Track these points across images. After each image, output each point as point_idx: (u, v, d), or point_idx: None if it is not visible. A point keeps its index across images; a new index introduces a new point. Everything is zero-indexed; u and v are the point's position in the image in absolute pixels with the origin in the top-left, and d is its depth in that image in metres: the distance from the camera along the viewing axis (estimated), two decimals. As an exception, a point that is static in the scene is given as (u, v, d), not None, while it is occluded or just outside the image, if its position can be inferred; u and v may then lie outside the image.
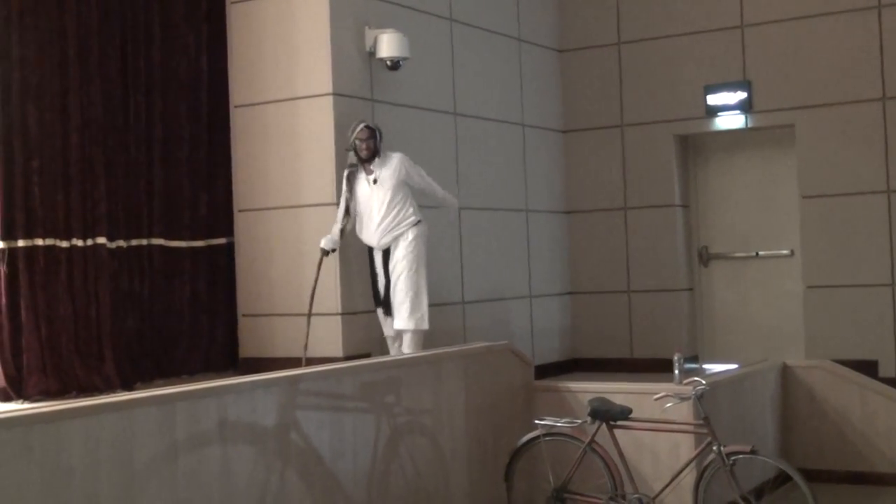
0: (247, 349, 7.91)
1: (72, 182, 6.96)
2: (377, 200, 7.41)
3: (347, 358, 7.38)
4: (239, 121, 8.05)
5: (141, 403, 5.12)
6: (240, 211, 8.02)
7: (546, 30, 10.21)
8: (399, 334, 7.48)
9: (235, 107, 8.06)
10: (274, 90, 7.91)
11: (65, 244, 6.86)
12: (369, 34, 7.95)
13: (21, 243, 6.73)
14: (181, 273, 7.66)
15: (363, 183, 7.46)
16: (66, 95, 7.02)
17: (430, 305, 7.59)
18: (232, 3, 8.09)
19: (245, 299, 7.95)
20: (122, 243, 7.28)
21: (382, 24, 8.01)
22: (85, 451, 4.74)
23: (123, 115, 7.37)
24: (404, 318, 7.39)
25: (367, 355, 7.48)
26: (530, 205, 9.80)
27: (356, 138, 7.42)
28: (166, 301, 7.55)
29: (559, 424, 6.50)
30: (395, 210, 7.43)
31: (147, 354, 7.33)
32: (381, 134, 7.50)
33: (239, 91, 8.05)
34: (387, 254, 7.49)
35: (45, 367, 6.43)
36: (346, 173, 7.49)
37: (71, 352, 6.81)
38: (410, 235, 7.46)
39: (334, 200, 7.61)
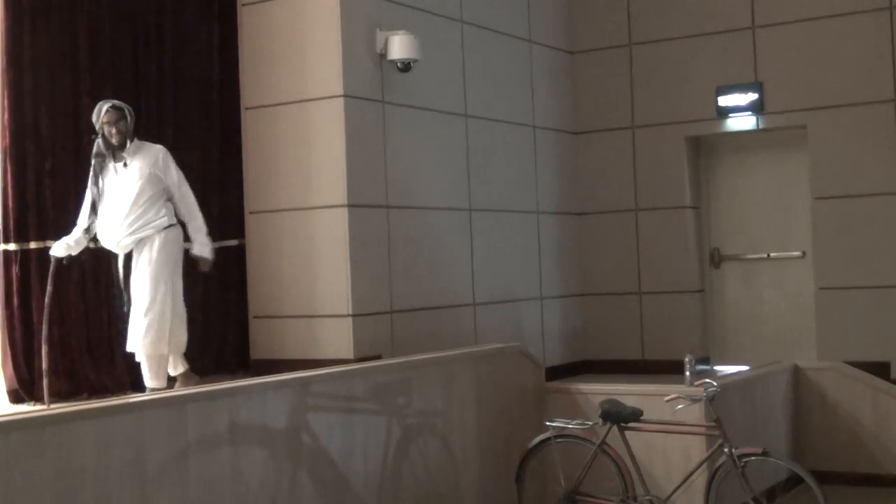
0: (258, 351, 7.91)
1: (84, 184, 6.96)
2: (123, 192, 6.46)
3: (358, 360, 7.37)
4: (250, 123, 8.06)
5: (152, 405, 5.14)
6: (251, 213, 8.03)
7: (557, 31, 10.20)
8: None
9: (246, 109, 8.07)
10: (285, 92, 7.91)
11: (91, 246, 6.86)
12: (380, 36, 7.95)
13: (33, 245, 6.75)
14: (193, 274, 7.65)
15: (111, 173, 6.53)
16: (78, 97, 7.04)
17: (442, 307, 7.56)
18: (243, 5, 8.10)
19: (256, 301, 7.96)
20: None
21: (393, 26, 8.01)
22: (97, 452, 4.76)
23: (135, 118, 7.37)
24: (136, 338, 6.43)
25: (378, 357, 7.48)
26: (541, 206, 9.79)
27: (103, 122, 6.46)
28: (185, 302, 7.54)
29: (570, 426, 6.50)
30: (144, 207, 6.47)
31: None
32: (132, 115, 6.56)
33: (250, 93, 8.06)
34: (128, 261, 6.53)
35: (56, 369, 6.44)
36: (92, 164, 6.56)
37: (82, 353, 6.83)
38: (158, 241, 6.47)
39: (345, 202, 7.61)
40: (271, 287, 7.90)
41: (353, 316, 7.56)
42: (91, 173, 6.51)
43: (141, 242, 6.45)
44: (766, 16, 9.58)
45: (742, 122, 9.76)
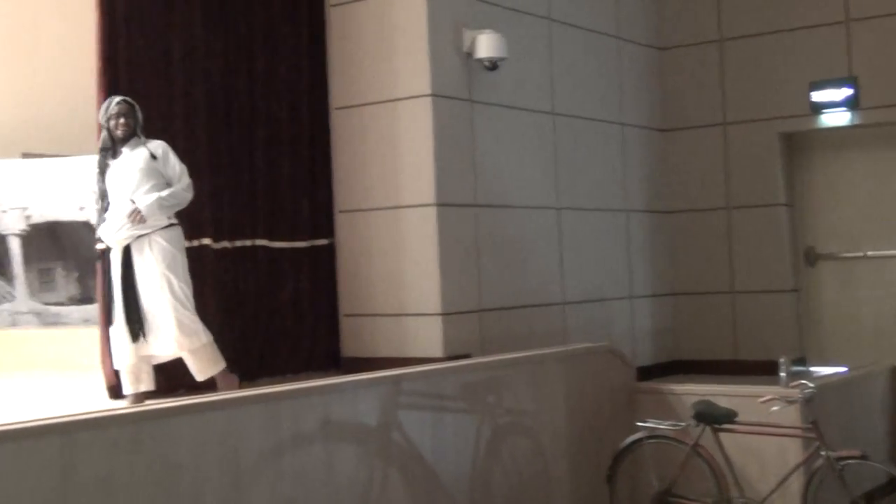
0: (349, 349, 7.95)
1: (178, 184, 7.07)
2: (121, 186, 6.40)
3: (448, 358, 7.37)
4: (339, 123, 8.11)
5: (247, 402, 5.19)
6: (341, 212, 8.08)
7: (645, 27, 10.09)
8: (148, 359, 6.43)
9: (335, 109, 8.12)
10: (373, 92, 7.95)
11: (172, 245, 6.96)
12: (467, 35, 7.94)
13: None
14: (284, 273, 7.73)
15: (112, 168, 6.49)
16: (171, 100, 7.15)
17: (531, 306, 7.53)
18: (332, 6, 8.15)
19: (346, 299, 8.00)
20: (226, 244, 7.37)
21: (480, 25, 7.99)
22: (193, 448, 4.82)
23: (226, 119, 7.47)
24: (169, 339, 6.33)
25: (468, 356, 7.46)
26: (630, 204, 9.70)
27: (111, 115, 6.45)
28: (270, 301, 7.63)
29: (662, 427, 6.42)
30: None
31: (252, 353, 7.41)
32: (140, 113, 6.55)
33: (339, 93, 8.11)
34: (127, 258, 6.36)
35: (155, 366, 6.53)
36: (98, 160, 6.56)
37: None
38: (160, 241, 6.36)
39: (434, 201, 7.61)
40: (361, 286, 7.93)
41: (443, 315, 7.55)
42: (97, 171, 6.54)
43: (140, 241, 6.33)
44: (860, 9, 9.36)
45: (837, 118, 9.55)
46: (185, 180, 6.50)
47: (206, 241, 7.20)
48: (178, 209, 6.52)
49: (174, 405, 4.98)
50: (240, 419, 5.05)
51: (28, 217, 9.68)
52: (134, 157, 6.42)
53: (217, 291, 7.23)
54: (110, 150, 6.48)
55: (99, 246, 6.56)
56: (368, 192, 7.95)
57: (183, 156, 7.05)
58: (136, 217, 6.27)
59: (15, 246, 9.68)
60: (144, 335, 6.29)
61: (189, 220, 7.07)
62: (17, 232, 9.72)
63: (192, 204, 7.08)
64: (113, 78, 6.87)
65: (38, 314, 9.03)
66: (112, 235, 6.35)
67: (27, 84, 10.34)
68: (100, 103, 6.77)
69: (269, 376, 7.35)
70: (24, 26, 10.84)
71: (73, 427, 4.45)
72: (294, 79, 7.96)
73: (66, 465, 4.34)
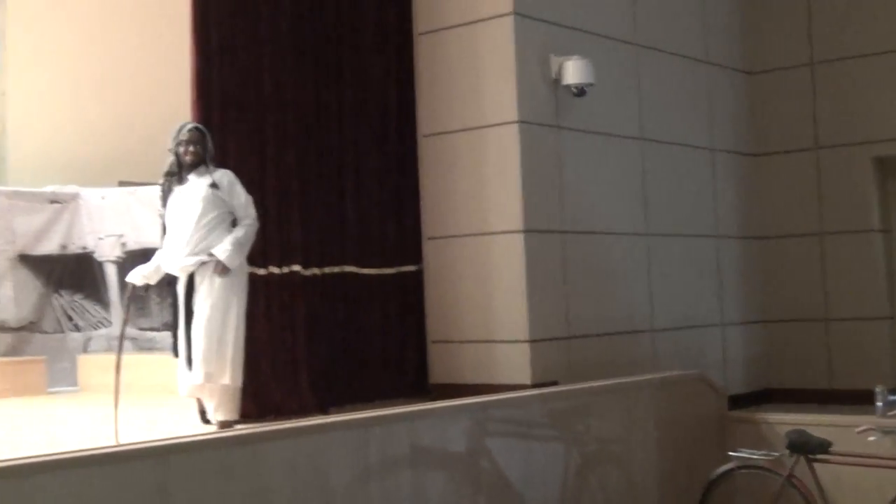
0: (437, 375, 7.96)
1: (268, 212, 7.17)
2: (185, 214, 6.27)
3: (536, 385, 7.34)
4: (427, 150, 8.16)
5: (336, 427, 5.23)
6: (429, 238, 8.11)
7: (734, 51, 9.98)
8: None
9: (423, 136, 8.18)
10: (460, 119, 7.99)
11: (262, 272, 7.05)
12: (554, 61, 7.94)
13: (224, 271, 6.96)
14: (372, 300, 7.78)
15: (175, 194, 6.36)
16: (262, 129, 7.26)
17: (619, 333, 7.45)
18: (419, 34, 8.22)
19: (434, 326, 8.02)
20: (316, 271, 7.45)
21: (567, 51, 7.99)
22: (283, 473, 4.86)
23: (316, 147, 7.56)
24: (203, 369, 6.13)
25: (555, 383, 7.42)
26: (721, 230, 9.58)
27: (181, 141, 6.32)
28: (358, 327, 7.68)
29: (755, 457, 6.31)
30: (206, 229, 6.24)
31: (340, 379, 7.47)
32: (210, 141, 6.44)
33: (426, 121, 8.16)
34: (190, 285, 6.22)
35: (244, 391, 6.61)
36: (161, 183, 6.44)
37: (268, 376, 7.01)
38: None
39: (522, 227, 7.60)
40: (449, 312, 7.95)
41: (531, 341, 7.53)
42: (160, 198, 6.42)
43: (204, 267, 6.19)
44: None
45: (932, 142, 9.34)
46: (252, 212, 6.37)
47: (296, 267, 7.28)
48: (248, 247, 6.37)
49: (265, 430, 5.04)
50: (329, 445, 5.09)
51: (124, 244, 9.93)
52: (199, 186, 6.27)
53: (306, 318, 7.29)
54: (176, 175, 6.35)
55: (131, 279, 6.37)
56: (456, 218, 7.97)
57: (274, 185, 7.18)
58: (221, 270, 6.15)
59: (111, 272, 9.94)
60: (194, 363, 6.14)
61: (279, 247, 7.17)
62: (114, 259, 9.99)
63: (284, 231, 7.19)
64: (206, 109, 6.99)
65: (133, 339, 9.23)
66: (176, 263, 6.22)
67: (124, 116, 10.65)
68: (195, 133, 6.90)
69: (358, 402, 7.37)
70: (121, 61, 11.18)
71: (167, 451, 4.53)
72: (382, 107, 8.03)
73: (162, 488, 4.42)
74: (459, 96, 8.00)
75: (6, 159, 10.56)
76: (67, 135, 10.77)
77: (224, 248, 6.16)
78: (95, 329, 10.09)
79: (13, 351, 9.66)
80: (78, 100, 10.91)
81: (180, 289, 6.25)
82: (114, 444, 5.30)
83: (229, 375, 6.15)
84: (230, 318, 6.18)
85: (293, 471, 4.89)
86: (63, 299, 10.06)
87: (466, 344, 7.82)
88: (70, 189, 10.25)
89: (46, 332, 9.93)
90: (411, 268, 8.05)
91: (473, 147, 7.91)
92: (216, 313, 6.13)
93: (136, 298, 6.25)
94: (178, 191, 6.31)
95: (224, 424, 6.18)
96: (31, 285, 9.88)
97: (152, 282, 6.42)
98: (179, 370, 6.25)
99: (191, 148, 6.29)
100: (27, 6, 10.76)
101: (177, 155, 6.33)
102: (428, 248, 8.12)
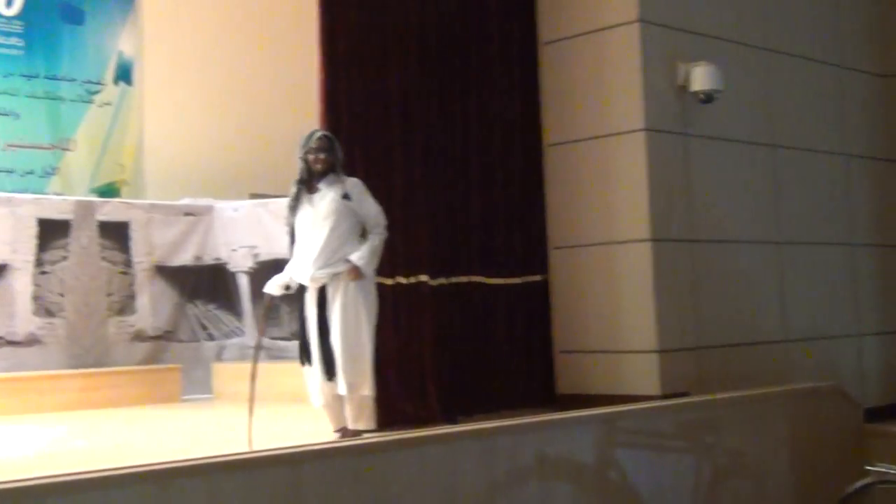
0: (564, 385, 7.93)
1: (395, 222, 7.23)
2: (316, 224, 6.24)
3: (665, 396, 7.24)
4: (552, 159, 8.14)
5: (464, 436, 5.26)
6: (554, 248, 8.09)
7: (867, 54, 9.70)
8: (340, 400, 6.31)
9: (549, 146, 8.16)
10: (586, 128, 7.95)
11: (390, 282, 7.13)
12: (681, 68, 7.85)
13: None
14: (499, 309, 7.79)
15: (304, 203, 6.31)
16: (389, 140, 7.34)
17: (751, 343, 7.33)
18: (544, 44, 8.22)
19: (561, 336, 7.99)
20: (443, 280, 7.49)
21: (694, 57, 7.89)
22: (411, 482, 4.90)
23: (442, 157, 7.62)
24: (345, 380, 6.16)
25: (685, 394, 7.31)
26: (856, 238, 9.31)
27: (310, 149, 6.27)
28: (485, 337, 7.70)
29: (894, 471, 6.10)
30: (339, 241, 6.23)
31: (468, 388, 7.49)
32: (340, 149, 6.38)
33: (552, 130, 8.15)
34: (322, 296, 6.23)
35: (375, 399, 6.68)
36: (291, 194, 6.37)
37: (396, 385, 7.07)
38: (354, 282, 6.21)
39: (649, 236, 7.53)
40: (576, 322, 7.91)
41: (659, 352, 7.44)
42: (288, 207, 6.36)
43: (336, 278, 6.19)
44: None
45: None
46: (383, 221, 6.37)
47: (424, 277, 7.33)
48: (379, 254, 6.38)
49: (394, 438, 5.09)
50: (457, 454, 5.11)
51: (256, 255, 10.15)
52: (330, 196, 6.24)
53: (433, 327, 7.34)
54: (306, 183, 6.29)
55: (269, 290, 6.39)
56: (582, 228, 7.94)
57: (400, 195, 7.24)
58: (356, 275, 6.19)
59: (244, 283, 10.17)
60: (333, 376, 6.16)
61: (406, 257, 7.23)
62: (246, 269, 10.22)
63: (411, 241, 7.25)
64: (334, 122, 7.11)
65: (266, 349, 9.42)
66: (308, 274, 6.21)
67: (256, 129, 10.89)
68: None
69: (485, 412, 7.38)
70: (254, 74, 11.44)
71: (300, 458, 4.62)
72: (507, 117, 8.05)
73: (294, 495, 4.50)
74: (585, 105, 7.97)
75: (144, 173, 10.91)
76: (201, 148, 11.08)
77: (361, 255, 6.21)
78: (229, 338, 10.34)
79: (150, 359, 9.95)
80: (211, 114, 11.20)
81: (310, 299, 6.26)
82: (247, 450, 5.42)
83: (369, 385, 6.19)
84: (365, 329, 6.21)
85: (421, 479, 4.93)
86: (198, 309, 10.33)
87: (593, 354, 7.77)
88: (204, 202, 10.53)
89: (182, 341, 10.21)
90: (537, 277, 8.03)
91: (599, 156, 7.86)
92: (352, 325, 6.15)
93: (271, 309, 6.27)
94: (309, 200, 6.27)
95: (358, 433, 6.21)
96: (168, 295, 10.17)
97: (289, 292, 6.44)
98: (311, 381, 6.29)
99: (320, 156, 6.25)
100: (163, 24, 11.10)
101: (306, 163, 6.28)
102: (554, 258, 8.10)
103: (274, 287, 6.37)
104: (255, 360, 6.25)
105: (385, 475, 4.81)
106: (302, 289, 6.31)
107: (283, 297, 6.66)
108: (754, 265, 8.29)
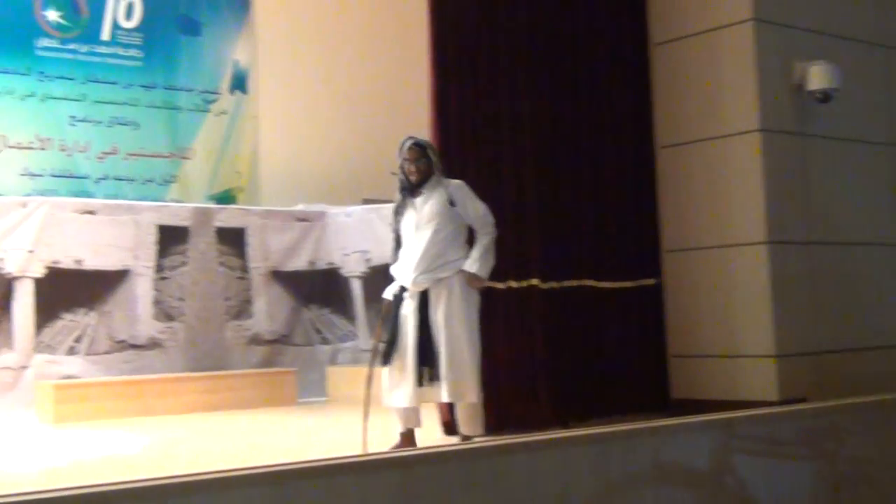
0: (678, 390, 7.83)
1: (506, 225, 7.23)
2: (420, 230, 6.18)
3: (783, 402, 7.09)
4: (664, 161, 8.05)
5: (577, 442, 5.21)
6: (668, 251, 8.00)
7: None
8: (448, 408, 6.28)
9: (661, 148, 8.07)
10: (699, 129, 7.84)
11: (501, 286, 7.13)
12: (797, 67, 7.69)
13: (498, 286, 7.06)
14: (611, 314, 7.73)
15: (408, 209, 6.26)
16: (499, 144, 7.34)
17: (873, 348, 7.13)
18: (656, 44, 8.14)
19: (675, 340, 7.89)
20: (554, 284, 7.46)
21: (811, 56, 7.72)
22: (525, 487, 4.88)
23: (552, 160, 7.59)
24: (460, 387, 6.08)
25: (804, 399, 7.15)
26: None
27: (403, 159, 6.22)
28: (597, 341, 7.65)
29: None
30: (442, 245, 6.16)
31: (580, 393, 7.45)
32: (433, 153, 6.31)
33: (664, 132, 8.06)
34: (424, 301, 6.15)
35: (486, 403, 6.70)
36: (396, 200, 6.36)
37: (508, 389, 7.07)
38: (458, 284, 6.13)
39: (766, 239, 7.39)
40: (690, 326, 7.81)
41: (777, 356, 7.29)
42: (392, 215, 6.36)
43: (439, 283, 6.12)
44: None
45: None
46: (491, 220, 6.29)
47: (534, 281, 7.32)
48: (492, 255, 6.31)
49: (506, 443, 5.08)
50: (569, 459, 5.08)
51: (368, 260, 10.27)
52: (433, 201, 6.19)
53: (545, 332, 7.32)
54: (408, 190, 6.25)
55: (387, 296, 6.33)
56: (696, 230, 7.83)
57: (511, 199, 7.24)
58: (475, 281, 6.16)
59: (357, 287, 10.29)
60: (431, 380, 6.07)
61: (517, 261, 7.23)
62: (359, 274, 10.34)
63: (522, 245, 7.23)
64: (444, 126, 7.14)
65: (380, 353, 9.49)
66: (411, 279, 6.14)
67: (367, 135, 11.02)
68: (433, 151, 7.06)
69: (598, 416, 7.34)
70: (365, 81, 11.57)
71: (413, 461, 4.64)
72: (618, 119, 7.99)
73: (407, 498, 4.52)
74: (698, 106, 7.86)
75: (259, 180, 11.13)
76: (315, 155, 11.25)
77: (473, 260, 6.16)
78: (342, 342, 10.47)
79: (266, 363, 10.14)
80: (324, 120, 11.37)
81: (411, 304, 6.16)
82: (361, 453, 5.48)
83: (475, 392, 6.13)
84: (470, 335, 6.14)
85: (533, 484, 4.91)
86: (312, 313, 10.49)
87: (708, 359, 7.65)
88: (317, 207, 10.69)
89: (297, 345, 10.38)
90: (650, 281, 7.95)
91: (713, 157, 7.75)
92: (457, 331, 6.08)
93: (388, 314, 6.30)
94: (412, 205, 6.23)
95: (469, 439, 6.22)
96: (283, 300, 10.36)
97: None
98: (388, 381, 6.16)
99: (412, 166, 6.20)
100: (277, 33, 11.31)
101: (403, 173, 6.26)
102: (667, 261, 8.00)
103: (391, 293, 6.32)
104: (372, 364, 6.28)
105: (497, 480, 4.80)
106: (401, 292, 6.25)
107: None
108: (874, 267, 8.07)
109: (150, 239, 9.66)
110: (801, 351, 7.40)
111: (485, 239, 6.27)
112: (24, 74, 9.96)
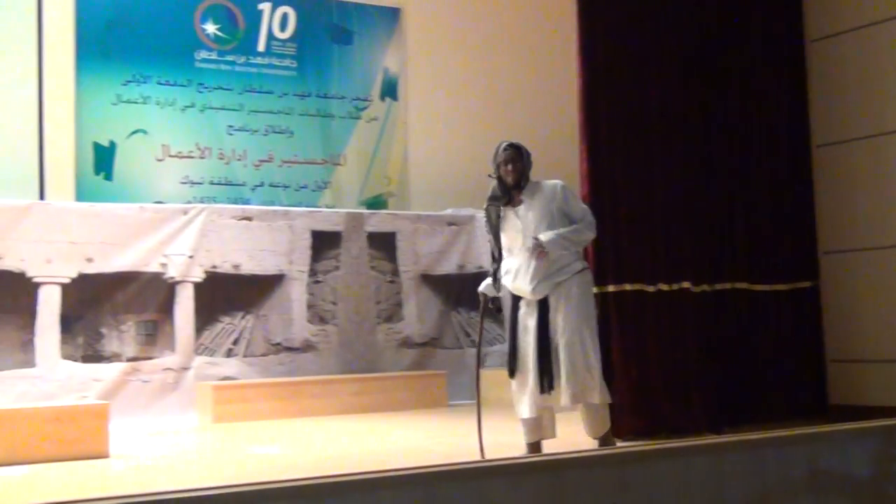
0: (836, 396, 7.60)
1: (657, 228, 7.16)
2: (530, 236, 6.01)
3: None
4: (821, 160, 7.84)
5: (730, 447, 5.11)
6: (825, 253, 7.78)
7: None
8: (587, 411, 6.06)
9: (817, 147, 7.85)
10: (858, 127, 7.62)
11: (651, 289, 7.06)
12: (965, 59, 7.39)
13: (611, 288, 7.01)
14: (765, 317, 7.56)
15: (510, 216, 6.10)
16: (650, 147, 7.26)
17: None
18: (811, 41, 7.92)
19: (833, 344, 7.67)
20: (706, 287, 7.34)
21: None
22: (675, 492, 4.81)
23: (704, 161, 7.47)
24: (583, 390, 5.93)
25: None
26: None
27: (499, 161, 6.08)
28: (751, 345, 7.49)
29: None
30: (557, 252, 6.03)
31: (733, 398, 7.31)
32: (528, 156, 6.13)
33: (820, 130, 7.85)
34: (543, 308, 6.00)
35: (636, 408, 6.64)
36: (485, 207, 6.19)
37: (659, 393, 6.98)
38: (576, 287, 6.01)
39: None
40: (849, 330, 7.58)
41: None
42: (486, 217, 6.20)
43: (558, 288, 6.01)
44: None
45: None
46: (589, 218, 6.13)
47: (686, 284, 7.21)
48: (579, 247, 6.17)
49: (658, 448, 5.02)
50: (723, 465, 4.98)
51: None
52: (536, 205, 6.06)
53: (697, 336, 7.20)
54: (504, 196, 6.12)
55: (488, 292, 6.22)
56: (855, 231, 7.60)
57: (662, 200, 7.15)
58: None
59: (505, 291, 10.30)
60: (552, 387, 5.93)
61: (668, 263, 7.13)
62: (507, 278, 10.34)
63: (673, 247, 7.13)
64: (594, 129, 7.09)
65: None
66: (530, 288, 6.01)
67: (515, 138, 10.99)
68: (583, 151, 7.03)
69: (752, 422, 7.17)
70: (510, 84, 11.60)
71: (562, 465, 4.63)
72: (772, 118, 7.80)
73: (555, 502, 4.51)
74: (856, 103, 7.63)
75: (409, 185, 11.27)
76: (464, 160, 11.31)
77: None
78: (491, 345, 10.51)
79: (417, 365, 10.26)
80: (473, 125, 11.43)
81: (529, 311, 6.06)
82: (499, 457, 5.48)
83: (600, 393, 6.01)
84: (591, 337, 6.01)
85: (686, 490, 4.83)
86: (461, 316, 10.57)
87: (870, 363, 7.41)
88: (466, 212, 10.77)
89: (446, 348, 10.47)
90: (807, 283, 7.74)
91: (873, 156, 7.52)
92: (578, 335, 5.96)
93: (489, 311, 6.28)
94: (512, 212, 6.09)
95: (609, 441, 6.12)
96: (433, 303, 10.47)
97: (496, 295, 6.23)
98: (520, 392, 6.04)
99: (509, 167, 6.06)
100: (426, 40, 11.44)
101: (499, 176, 6.12)
102: (824, 263, 7.79)
103: (489, 288, 6.20)
104: (478, 365, 6.34)
105: (648, 485, 4.75)
106: (516, 299, 6.15)
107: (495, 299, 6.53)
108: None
109: (305, 244, 9.90)
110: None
111: (583, 233, 6.11)
112: (184, 86, 10.33)
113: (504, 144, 6.15)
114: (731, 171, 7.59)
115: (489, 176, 6.16)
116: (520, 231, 6.06)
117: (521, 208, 6.07)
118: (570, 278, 6.02)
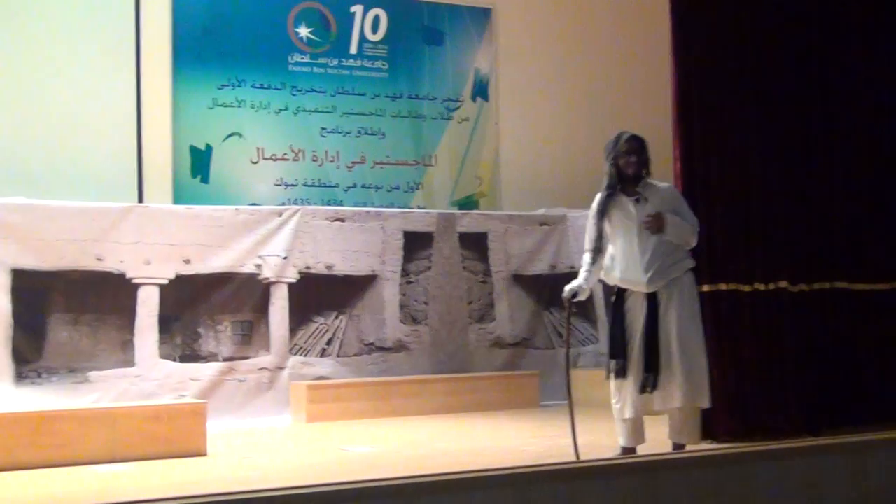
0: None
1: (753, 227, 7.05)
2: (644, 231, 5.92)
3: None
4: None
5: (829, 450, 5.04)
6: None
7: None
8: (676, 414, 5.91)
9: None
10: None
11: (747, 288, 6.95)
12: None
13: (706, 288, 6.91)
14: (866, 317, 7.39)
15: (627, 207, 5.99)
16: (746, 144, 7.14)
17: None
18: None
19: (936, 345, 7.46)
20: (803, 287, 7.20)
21: None
22: (772, 495, 4.76)
23: (802, 160, 7.33)
24: (689, 391, 5.81)
25: None
26: None
27: (621, 150, 5.98)
28: (851, 345, 7.32)
29: None
30: (670, 246, 5.94)
31: (832, 400, 7.16)
32: (648, 150, 6.05)
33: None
34: (653, 301, 5.89)
35: (731, 409, 6.54)
36: (598, 199, 6.09)
37: (756, 394, 6.87)
38: (687, 284, 5.95)
39: None
40: (953, 330, 7.36)
41: None
42: (596, 211, 6.11)
43: (671, 283, 5.92)
44: None
45: None
46: (697, 226, 6.10)
47: (783, 284, 7.09)
48: (680, 242, 6.04)
49: (755, 450, 4.97)
50: (822, 467, 4.91)
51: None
52: (654, 201, 5.99)
53: (794, 336, 7.07)
54: (618, 188, 6.04)
55: (576, 291, 6.11)
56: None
57: (758, 199, 7.04)
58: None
59: (598, 291, 10.24)
60: (656, 387, 5.82)
61: (765, 262, 7.02)
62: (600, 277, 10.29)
63: (769, 246, 7.02)
64: (688, 128, 7.01)
65: (602, 354, 9.44)
66: (644, 280, 5.91)
67: (607, 137, 10.94)
68: (676, 150, 6.96)
69: (851, 425, 7.01)
70: (602, 83, 11.54)
71: (656, 466, 4.60)
72: (873, 112, 7.62)
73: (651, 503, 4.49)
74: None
75: (500, 185, 11.28)
76: (555, 159, 11.30)
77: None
78: (583, 345, 10.47)
79: (509, 365, 10.26)
80: (564, 125, 11.41)
81: (638, 307, 5.97)
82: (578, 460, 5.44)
83: (707, 398, 5.92)
84: (702, 337, 5.97)
85: (783, 493, 4.77)
86: (553, 317, 10.54)
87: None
88: (558, 211, 10.74)
89: (538, 348, 10.45)
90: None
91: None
92: (691, 334, 5.90)
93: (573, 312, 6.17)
94: (625, 205, 6.01)
95: (683, 447, 5.92)
96: (524, 303, 10.46)
97: (582, 297, 6.15)
98: (623, 393, 5.94)
99: (632, 158, 5.98)
100: (516, 40, 11.44)
101: (616, 168, 6.03)
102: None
103: (576, 288, 6.08)
104: (568, 365, 6.36)
105: (744, 487, 4.69)
106: (620, 296, 6.08)
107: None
108: None
109: (397, 244, 9.97)
110: None
111: (692, 235, 6.05)
112: (278, 89, 10.48)
113: (627, 135, 6.05)
114: (829, 168, 7.44)
115: (605, 172, 6.06)
116: (629, 224, 5.98)
117: (638, 202, 5.99)
118: (682, 276, 5.97)
